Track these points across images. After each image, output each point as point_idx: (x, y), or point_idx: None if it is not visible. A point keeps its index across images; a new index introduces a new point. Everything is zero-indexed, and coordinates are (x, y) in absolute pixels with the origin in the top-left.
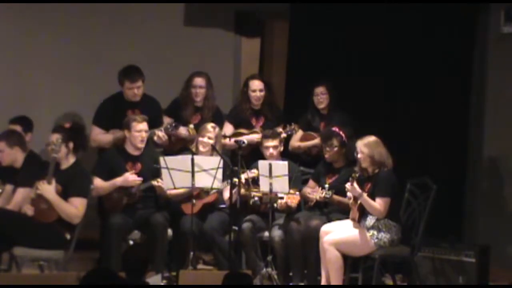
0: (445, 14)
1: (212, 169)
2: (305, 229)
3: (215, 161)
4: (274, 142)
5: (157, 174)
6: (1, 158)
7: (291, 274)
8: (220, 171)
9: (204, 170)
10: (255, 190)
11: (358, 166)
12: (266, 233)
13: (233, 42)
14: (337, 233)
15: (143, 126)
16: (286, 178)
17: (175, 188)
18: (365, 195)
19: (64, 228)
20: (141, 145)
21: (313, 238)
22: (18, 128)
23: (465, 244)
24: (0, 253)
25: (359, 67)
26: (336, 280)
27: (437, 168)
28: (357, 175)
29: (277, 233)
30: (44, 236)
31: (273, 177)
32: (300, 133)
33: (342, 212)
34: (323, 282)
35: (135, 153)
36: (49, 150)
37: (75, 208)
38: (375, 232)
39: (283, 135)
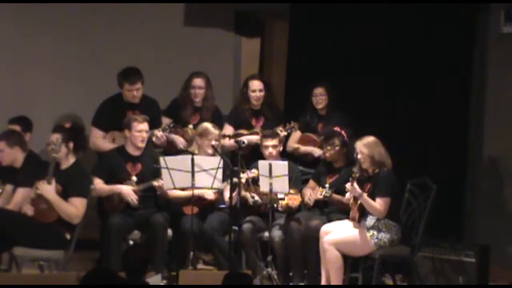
0: (445, 14)
1: (212, 169)
2: (305, 229)
3: (215, 161)
4: (274, 142)
5: (157, 174)
6: (1, 158)
7: (291, 274)
8: (220, 171)
9: (204, 170)
10: (255, 190)
11: (357, 167)
12: (266, 233)
13: (233, 42)
14: (337, 233)
15: (144, 126)
16: (286, 178)
17: (175, 188)
18: (365, 195)
19: (64, 228)
20: (142, 145)
21: (313, 238)
22: (17, 128)
23: (465, 244)
24: (0, 253)
25: (359, 67)
26: (336, 280)
27: (437, 168)
28: (357, 175)
29: (277, 233)
30: (44, 236)
31: (273, 177)
32: (298, 134)
33: (342, 212)
34: (323, 282)
35: (135, 153)
36: (49, 150)
37: (75, 208)
38: (375, 232)
39: (284, 133)
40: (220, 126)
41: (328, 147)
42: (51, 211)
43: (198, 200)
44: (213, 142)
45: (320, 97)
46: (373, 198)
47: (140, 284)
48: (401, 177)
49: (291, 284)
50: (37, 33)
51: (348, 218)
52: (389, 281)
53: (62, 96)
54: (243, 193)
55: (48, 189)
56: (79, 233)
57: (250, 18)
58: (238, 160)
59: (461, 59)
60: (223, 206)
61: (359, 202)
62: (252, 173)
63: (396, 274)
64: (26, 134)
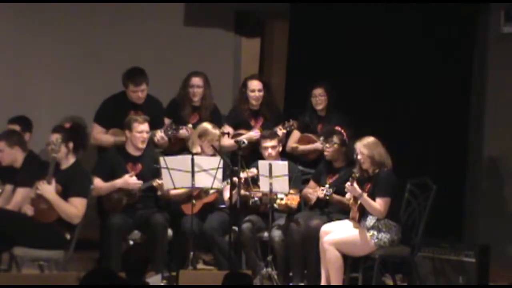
0: (445, 14)
1: (212, 169)
2: (305, 229)
3: (215, 161)
4: (273, 142)
5: (157, 174)
6: (1, 158)
7: (291, 274)
8: (220, 171)
9: (204, 170)
10: (255, 190)
11: (357, 167)
12: (266, 233)
13: (233, 42)
14: (337, 233)
15: (145, 127)
16: (286, 178)
17: (175, 188)
18: (365, 195)
19: (64, 228)
20: (142, 146)
21: (313, 238)
22: (16, 127)
23: (465, 244)
24: (0, 253)
25: (359, 67)
26: (336, 280)
27: (437, 168)
28: (357, 175)
29: (277, 233)
30: (44, 236)
31: (273, 177)
32: (297, 134)
33: (342, 212)
34: (323, 282)
35: (136, 153)
36: (49, 150)
37: (75, 208)
38: (375, 232)
39: (283, 131)
40: (219, 125)
41: (327, 145)
42: (51, 211)
43: (198, 197)
44: (217, 144)
45: (319, 98)
46: (373, 198)
47: (140, 284)
48: (401, 177)
49: (291, 284)
50: (37, 33)
51: (348, 218)
52: (389, 281)
53: (62, 96)
54: (243, 192)
55: (48, 189)
56: (79, 233)
57: (250, 18)
58: (238, 160)
59: (461, 59)
60: (223, 206)
61: (359, 202)
62: (252, 172)
63: (396, 274)
64: (26, 134)
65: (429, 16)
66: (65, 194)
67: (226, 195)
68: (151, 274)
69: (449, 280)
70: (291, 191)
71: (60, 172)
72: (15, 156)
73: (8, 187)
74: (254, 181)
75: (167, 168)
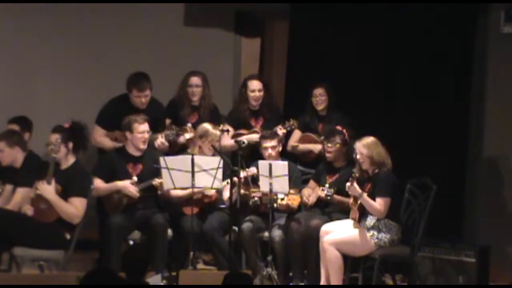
0: (445, 14)
1: (212, 169)
2: (305, 229)
3: (215, 161)
4: (273, 143)
5: (157, 174)
6: (1, 158)
7: (291, 274)
8: (220, 171)
9: (204, 170)
10: (255, 190)
11: (357, 167)
12: (266, 233)
13: (233, 42)
14: (337, 233)
15: (145, 127)
16: (286, 178)
17: (175, 188)
18: (365, 195)
19: (64, 228)
20: (144, 146)
21: (313, 238)
22: (16, 127)
23: (465, 244)
24: (0, 253)
25: (359, 67)
26: (336, 280)
27: (437, 168)
28: (357, 175)
29: (277, 233)
30: (44, 236)
31: (273, 177)
32: (298, 133)
33: (342, 212)
34: (323, 282)
35: (136, 154)
36: (48, 150)
37: (75, 208)
38: (375, 232)
39: (283, 131)
40: (218, 124)
41: (329, 145)
42: (51, 211)
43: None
44: (217, 144)
45: (320, 98)
46: (373, 198)
47: (140, 284)
48: (401, 177)
49: (291, 284)
50: (37, 33)
51: (348, 218)
52: (389, 281)
53: (62, 96)
54: (243, 192)
55: (48, 189)
56: (79, 233)
57: (250, 18)
58: (238, 160)
59: (461, 59)
60: (223, 206)
61: (359, 202)
62: (251, 171)
63: (396, 274)
64: (25, 134)
65: (429, 16)
66: (65, 194)
67: (226, 195)
68: (151, 274)
69: (449, 280)
70: (291, 191)
71: (60, 172)
72: (15, 156)
73: (8, 187)
74: (254, 180)
75: (167, 168)
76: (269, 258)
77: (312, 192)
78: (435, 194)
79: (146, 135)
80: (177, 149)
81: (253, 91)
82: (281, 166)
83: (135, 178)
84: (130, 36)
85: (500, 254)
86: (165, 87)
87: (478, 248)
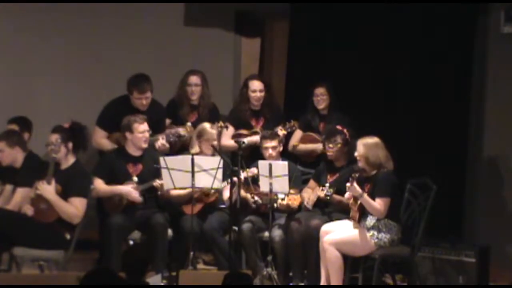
0: (445, 14)
1: (212, 169)
2: (305, 229)
3: (215, 161)
4: (273, 143)
5: (157, 174)
6: (1, 158)
7: (291, 274)
8: (220, 171)
9: (204, 170)
10: (255, 192)
11: (358, 164)
12: (266, 233)
13: (233, 42)
14: (337, 233)
15: (145, 126)
16: (286, 178)
17: (175, 188)
18: (365, 195)
19: (64, 228)
20: (145, 145)
21: (313, 238)
22: (15, 127)
23: (465, 244)
24: (0, 253)
25: (359, 67)
26: (336, 280)
27: (437, 168)
28: (357, 175)
29: (277, 233)
30: (44, 236)
31: (273, 177)
32: (299, 133)
33: (342, 212)
34: (323, 282)
35: (136, 154)
36: (48, 150)
37: (75, 208)
38: (375, 232)
39: (283, 132)
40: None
41: (330, 145)
42: (51, 211)
43: (199, 200)
44: (215, 143)
45: (321, 97)
46: (372, 198)
47: (140, 284)
48: (401, 177)
49: (291, 284)
50: (37, 33)
51: (348, 218)
52: (389, 281)
53: (62, 96)
54: (243, 194)
55: (48, 189)
56: (79, 233)
57: (250, 18)
58: (238, 160)
59: (461, 59)
60: (223, 206)
61: (359, 202)
62: (251, 172)
63: (396, 274)
64: (25, 133)
65: (429, 16)
66: (65, 194)
67: (226, 195)
68: (151, 274)
69: (449, 280)
70: (291, 191)
71: (60, 172)
72: (15, 156)
73: (8, 187)
74: (254, 181)
75: (167, 168)
76: (269, 258)
77: (312, 192)
78: (435, 194)
79: (147, 135)
80: (177, 149)
81: (254, 91)
82: (281, 166)
83: (135, 179)
84: (130, 36)
85: (500, 254)
86: (165, 87)
87: (478, 248)
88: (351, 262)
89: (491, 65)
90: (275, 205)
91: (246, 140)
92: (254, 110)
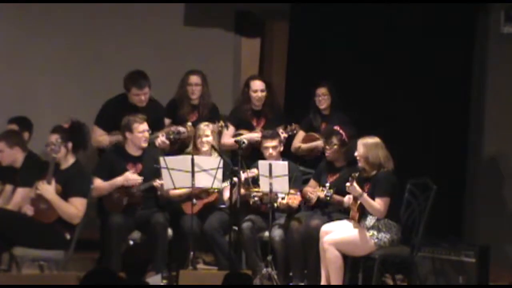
0: (445, 14)
1: (212, 169)
2: (305, 229)
3: (215, 161)
4: (274, 143)
5: (157, 174)
6: (1, 158)
7: (291, 274)
8: (220, 171)
9: (204, 170)
10: (255, 190)
11: (358, 164)
12: (266, 233)
13: (233, 42)
14: (337, 233)
15: (145, 126)
16: (286, 178)
17: (175, 188)
18: (365, 195)
19: (64, 228)
20: (145, 145)
21: (313, 238)
22: (15, 127)
23: (465, 244)
24: (0, 253)
25: (359, 67)
26: (336, 280)
27: (437, 168)
28: (356, 175)
29: (277, 233)
30: (44, 236)
31: (273, 177)
32: (302, 134)
33: (342, 212)
34: (323, 282)
35: (136, 153)
36: (48, 150)
37: (75, 208)
38: (375, 232)
39: (284, 135)
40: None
41: (327, 146)
42: (51, 211)
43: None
44: (204, 139)
45: (322, 97)
46: (372, 198)
47: (140, 284)
48: (401, 177)
49: (291, 284)
50: (37, 33)
51: (348, 218)
52: (389, 281)
53: (62, 96)
54: (243, 191)
55: (48, 189)
56: (79, 233)
57: (250, 18)
58: (238, 160)
59: (461, 59)
60: (223, 206)
61: (359, 202)
62: (252, 172)
63: (396, 274)
64: (25, 133)
65: (429, 16)
66: (65, 194)
67: (226, 194)
68: (151, 274)
69: (449, 280)
70: (291, 191)
71: (60, 172)
72: (15, 156)
73: (8, 187)
74: (254, 181)
75: (167, 168)
76: (269, 258)
77: (313, 191)
78: (435, 194)
79: (147, 134)
80: (176, 147)
81: (256, 91)
82: (281, 166)
83: (133, 170)
84: (130, 36)
85: (500, 254)
86: (165, 87)
87: (478, 248)
88: (351, 262)
89: (491, 65)
90: (275, 204)
91: (246, 137)
92: (255, 110)
